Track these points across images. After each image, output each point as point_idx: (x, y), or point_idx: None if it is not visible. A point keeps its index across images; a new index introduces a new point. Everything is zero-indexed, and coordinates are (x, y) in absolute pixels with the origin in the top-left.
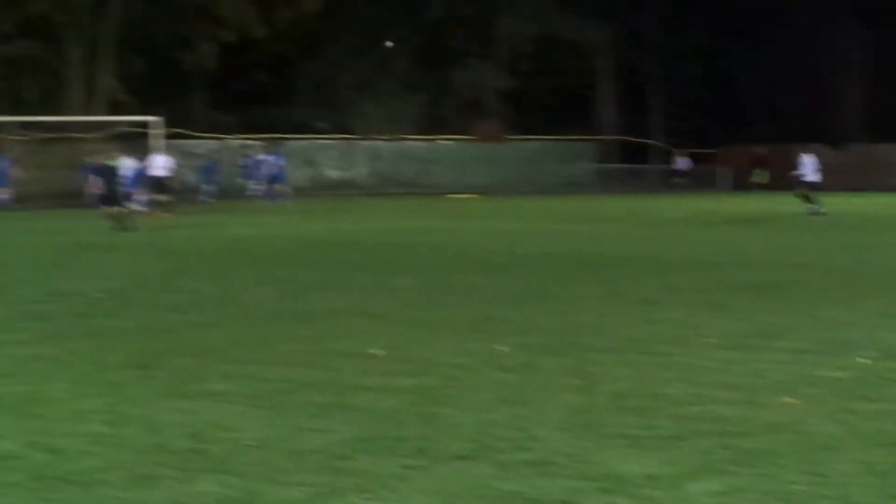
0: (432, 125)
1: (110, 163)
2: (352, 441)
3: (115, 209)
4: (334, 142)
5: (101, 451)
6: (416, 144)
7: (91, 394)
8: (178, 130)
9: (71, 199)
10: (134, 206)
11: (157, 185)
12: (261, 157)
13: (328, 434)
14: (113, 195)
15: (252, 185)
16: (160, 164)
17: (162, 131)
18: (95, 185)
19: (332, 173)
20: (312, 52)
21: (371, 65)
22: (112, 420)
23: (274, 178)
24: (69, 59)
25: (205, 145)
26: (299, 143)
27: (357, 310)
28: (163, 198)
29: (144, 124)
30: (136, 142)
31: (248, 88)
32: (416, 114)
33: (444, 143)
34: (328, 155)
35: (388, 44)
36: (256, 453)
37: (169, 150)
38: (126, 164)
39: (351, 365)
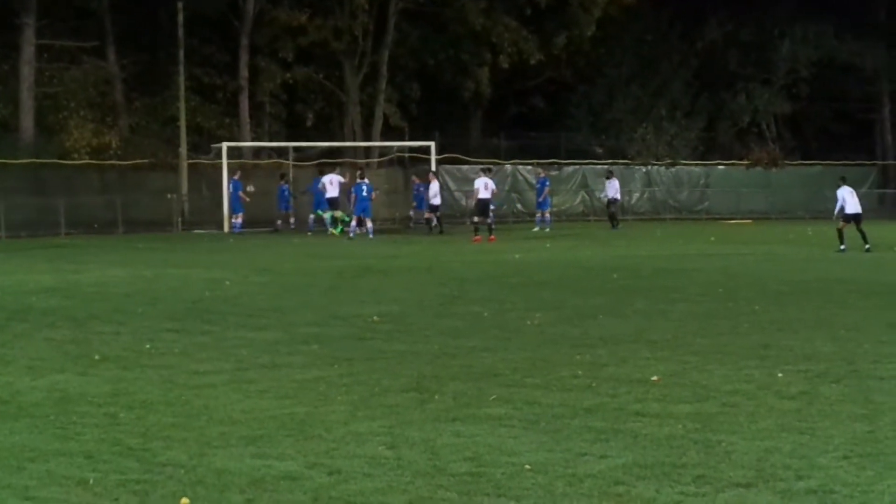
0: (709, 150)
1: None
2: (630, 467)
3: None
4: (609, 167)
5: (381, 473)
6: (692, 169)
7: (370, 416)
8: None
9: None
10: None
11: (483, 207)
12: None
13: (606, 459)
14: None
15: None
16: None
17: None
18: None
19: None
20: (588, 77)
21: (647, 89)
22: (391, 443)
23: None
24: (347, 86)
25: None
26: (574, 169)
27: (634, 336)
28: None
29: (421, 149)
30: (417, 166)
31: (524, 113)
32: (692, 139)
33: (721, 168)
34: (604, 180)
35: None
36: (535, 478)
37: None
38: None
39: (629, 391)
